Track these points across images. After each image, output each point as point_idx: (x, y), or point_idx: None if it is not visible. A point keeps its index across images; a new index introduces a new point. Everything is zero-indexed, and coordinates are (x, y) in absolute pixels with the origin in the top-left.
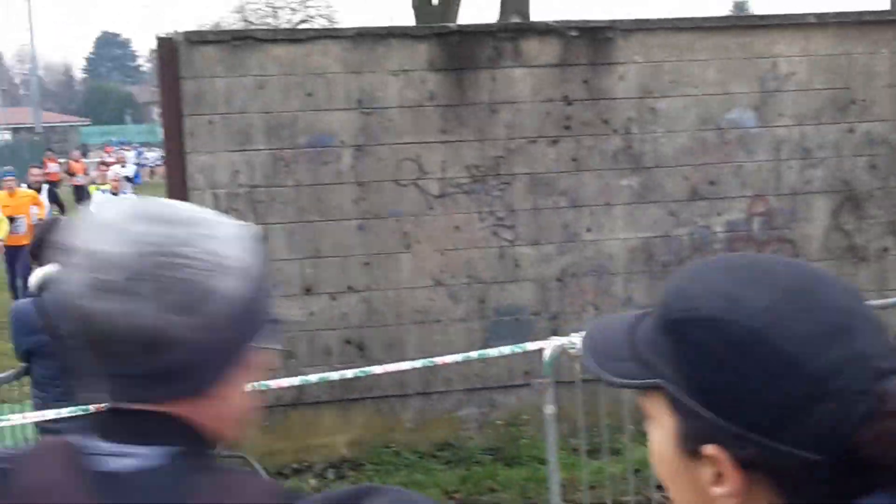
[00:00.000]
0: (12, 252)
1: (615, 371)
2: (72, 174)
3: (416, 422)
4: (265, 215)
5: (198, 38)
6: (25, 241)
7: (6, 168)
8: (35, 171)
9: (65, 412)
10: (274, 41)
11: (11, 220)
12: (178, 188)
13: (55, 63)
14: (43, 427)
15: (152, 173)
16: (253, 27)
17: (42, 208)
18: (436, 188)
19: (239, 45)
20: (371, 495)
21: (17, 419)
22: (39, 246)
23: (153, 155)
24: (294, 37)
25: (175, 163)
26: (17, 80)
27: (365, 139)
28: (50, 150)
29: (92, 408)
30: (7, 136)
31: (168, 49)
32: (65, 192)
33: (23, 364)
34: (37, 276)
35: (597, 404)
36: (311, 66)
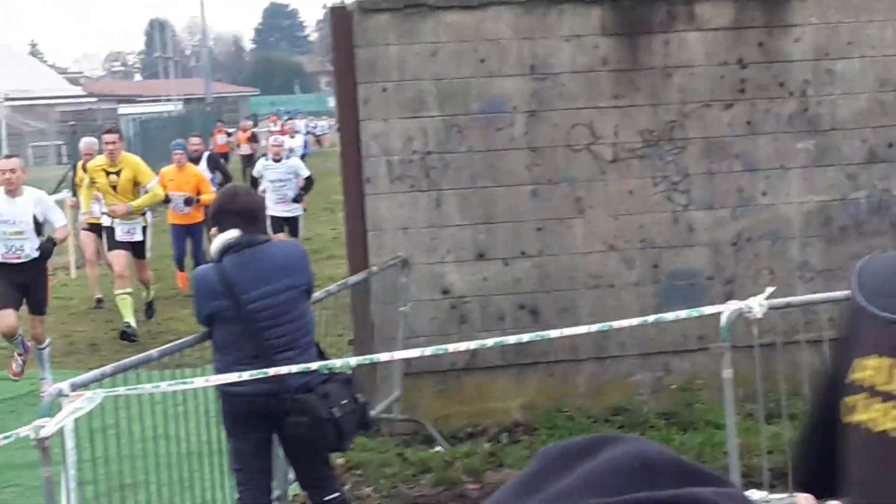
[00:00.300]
0: (179, 230)
1: (882, 306)
2: (239, 145)
3: (589, 386)
4: (438, 182)
5: (371, 7)
6: (194, 220)
7: (177, 141)
8: (194, 140)
9: (245, 375)
10: (447, 8)
11: (167, 199)
12: (353, 156)
13: (225, 34)
14: (224, 390)
15: (319, 142)
16: None
17: (206, 194)
18: (609, 153)
19: (412, 12)
20: (609, 444)
21: (199, 382)
22: (219, 213)
23: (321, 124)
24: (467, 3)
25: (349, 131)
26: (188, 52)
27: (537, 105)
28: (220, 121)
29: (271, 371)
30: (179, 106)
31: (341, 18)
32: (234, 164)
33: (204, 328)
34: (218, 241)
35: (774, 369)
36: (484, 32)
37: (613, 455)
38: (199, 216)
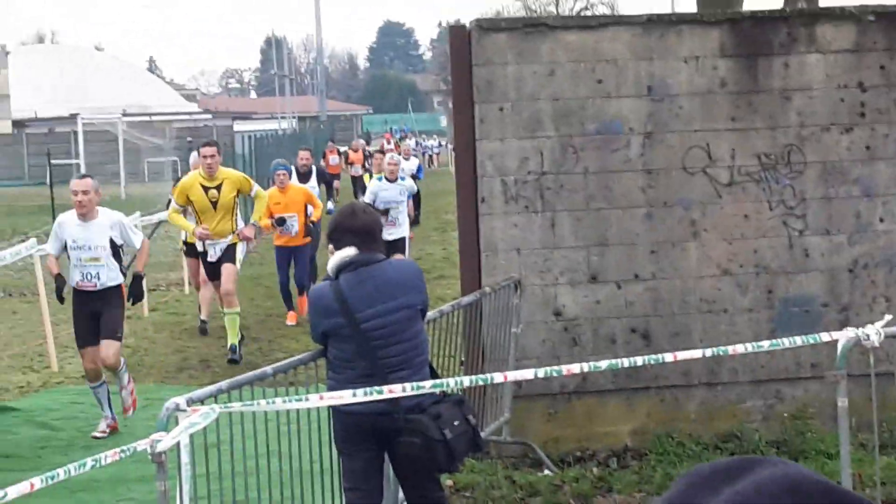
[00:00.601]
0: (284, 253)
1: None
2: (350, 164)
3: (700, 412)
4: (553, 202)
5: (489, 26)
6: (299, 242)
7: (278, 161)
8: (304, 154)
9: (360, 394)
10: (565, 28)
11: (281, 220)
12: (468, 175)
13: (340, 52)
14: (337, 409)
15: (431, 161)
16: (534, 16)
17: (317, 208)
18: (725, 176)
19: (530, 31)
20: (757, 466)
21: (314, 399)
22: (337, 230)
23: (433, 143)
24: (585, 24)
25: (465, 150)
26: (302, 70)
27: (654, 126)
28: (331, 140)
29: (385, 389)
30: (294, 124)
31: (459, 37)
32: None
33: (318, 346)
34: (334, 259)
35: (890, 398)
36: (602, 52)
37: (760, 477)
38: (305, 239)
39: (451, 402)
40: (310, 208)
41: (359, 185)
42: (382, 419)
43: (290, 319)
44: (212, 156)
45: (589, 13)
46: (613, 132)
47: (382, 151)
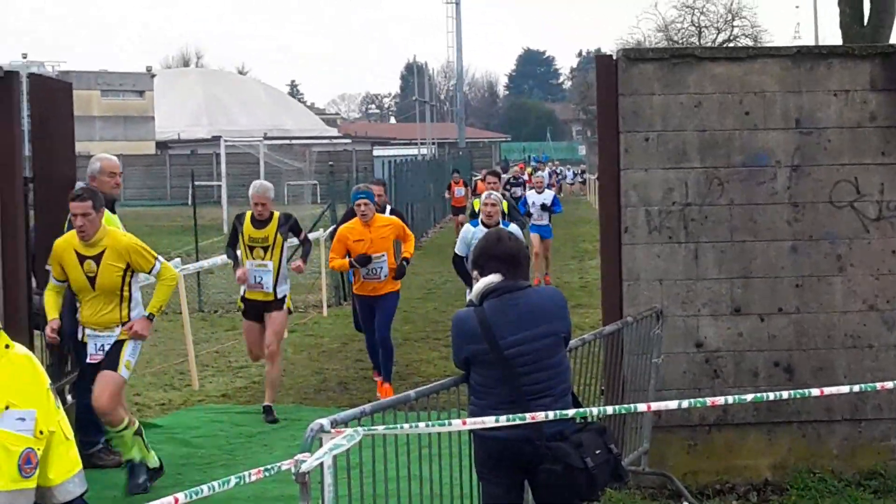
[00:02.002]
0: (366, 304)
1: None
2: (478, 194)
3: (842, 448)
4: (697, 234)
5: (636, 56)
6: (386, 289)
7: (359, 187)
8: (376, 188)
9: (503, 420)
10: (713, 59)
11: (364, 259)
12: (611, 205)
13: (479, 79)
14: (479, 434)
15: (560, 189)
16: (677, 46)
17: (409, 241)
18: (873, 211)
19: (678, 62)
20: None
21: (457, 424)
22: (482, 257)
23: (564, 170)
24: (733, 55)
25: (609, 179)
26: (442, 96)
27: (801, 159)
28: (456, 171)
29: (528, 416)
30: (433, 150)
31: (606, 66)
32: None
33: (460, 372)
34: (479, 285)
35: None
36: (750, 84)
37: None
38: (395, 284)
39: (593, 430)
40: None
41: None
42: (524, 446)
43: (380, 391)
44: (84, 214)
45: (731, 45)
46: (760, 164)
47: (511, 184)
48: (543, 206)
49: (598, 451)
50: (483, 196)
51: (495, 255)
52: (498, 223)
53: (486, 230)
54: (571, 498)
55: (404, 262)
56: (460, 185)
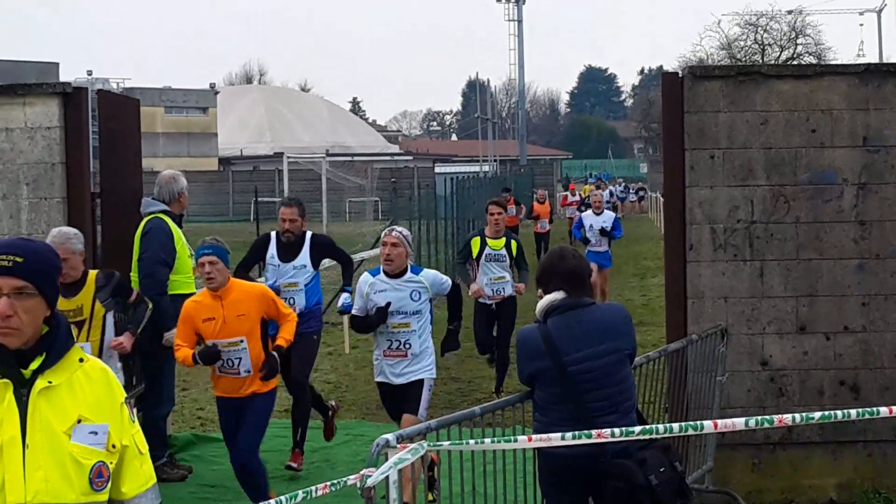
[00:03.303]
0: (228, 407)
1: None
2: (535, 217)
3: None
4: (762, 251)
5: (702, 74)
6: (254, 389)
7: (206, 240)
8: (286, 210)
9: (569, 437)
10: (779, 77)
11: (211, 355)
12: (676, 222)
13: (540, 97)
14: (544, 451)
15: (617, 209)
16: (741, 64)
17: (288, 323)
18: None
19: (744, 80)
20: None
21: (522, 441)
22: (546, 274)
23: (621, 190)
24: (800, 73)
25: (674, 197)
26: (503, 113)
27: (868, 177)
28: (507, 189)
29: (595, 433)
30: (495, 167)
31: (672, 84)
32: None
33: (526, 388)
34: (543, 303)
35: None
36: (816, 102)
37: None
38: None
39: (657, 448)
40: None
41: (543, 245)
42: (588, 462)
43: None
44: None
45: (795, 63)
46: (827, 182)
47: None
48: (603, 231)
49: (662, 469)
50: (383, 234)
51: (558, 273)
52: (401, 267)
53: (386, 282)
54: None
55: (275, 354)
56: (511, 203)
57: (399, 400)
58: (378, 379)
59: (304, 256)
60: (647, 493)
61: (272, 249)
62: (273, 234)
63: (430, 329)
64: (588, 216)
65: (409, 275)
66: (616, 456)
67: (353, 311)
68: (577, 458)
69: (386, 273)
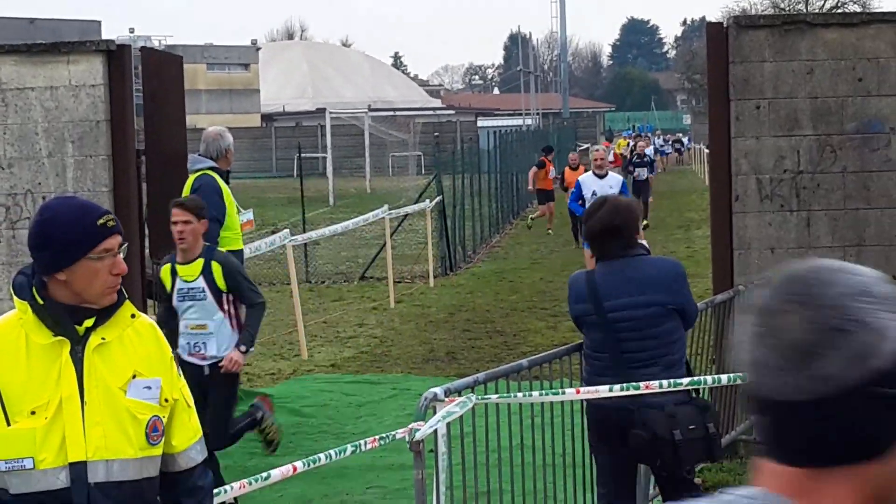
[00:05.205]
0: None
1: None
2: (567, 188)
3: None
4: (809, 202)
5: (747, 23)
6: None
7: None
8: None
9: (616, 388)
10: (825, 25)
11: None
12: (722, 173)
13: (582, 49)
14: (590, 403)
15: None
16: (786, 13)
17: None
18: None
19: (789, 29)
20: None
21: (569, 393)
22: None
23: (657, 141)
24: (846, 21)
25: (720, 148)
26: (545, 66)
27: None
28: (549, 148)
29: (642, 385)
30: (537, 120)
31: (716, 34)
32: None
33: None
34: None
35: None
36: (863, 50)
37: None
38: None
39: (694, 406)
40: None
41: (579, 224)
42: (621, 413)
43: None
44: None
45: (839, 11)
46: (873, 131)
47: (638, 163)
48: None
49: (691, 427)
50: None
51: (585, 233)
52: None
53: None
54: (654, 467)
55: None
56: (550, 164)
57: None
58: None
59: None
60: (668, 447)
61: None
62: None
63: None
64: (588, 179)
65: None
66: (648, 407)
67: None
68: (617, 410)
69: None
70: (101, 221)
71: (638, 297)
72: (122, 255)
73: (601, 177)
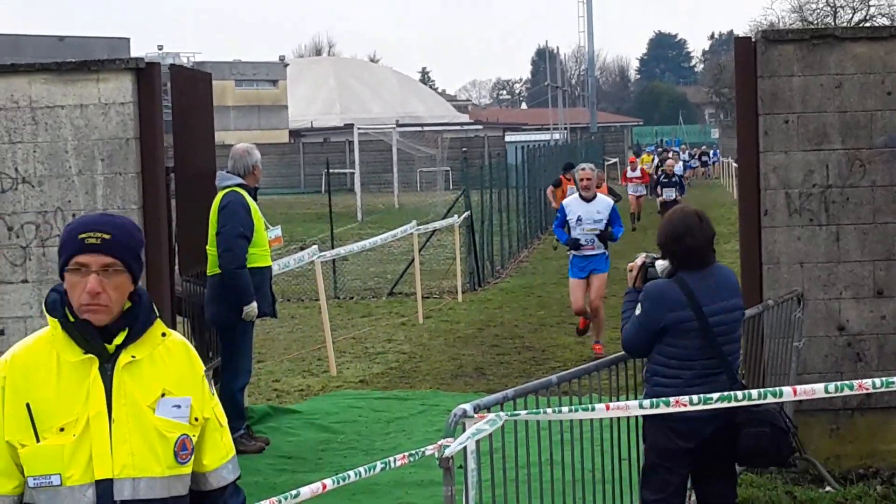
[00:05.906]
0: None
1: None
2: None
3: None
4: (838, 216)
5: (775, 38)
6: None
7: None
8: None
9: (695, 400)
10: (854, 39)
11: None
12: (751, 188)
13: (610, 64)
14: (669, 418)
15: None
16: (814, 27)
17: None
18: None
19: (818, 43)
20: None
21: (600, 410)
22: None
23: (682, 156)
24: (875, 35)
25: (748, 162)
26: (573, 81)
27: None
28: (570, 165)
29: (740, 395)
30: (565, 135)
31: (745, 49)
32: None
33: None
34: (665, 262)
35: None
36: (892, 64)
37: None
38: None
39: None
40: None
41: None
42: (720, 420)
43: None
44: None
45: (868, 25)
46: None
47: (666, 183)
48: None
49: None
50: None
51: (661, 246)
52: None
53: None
54: (771, 462)
55: None
56: (571, 182)
57: None
58: None
59: None
60: (785, 438)
61: None
62: None
63: None
64: (573, 203)
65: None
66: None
67: None
68: (713, 418)
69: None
70: (82, 235)
71: (728, 301)
72: (112, 278)
73: (588, 200)
